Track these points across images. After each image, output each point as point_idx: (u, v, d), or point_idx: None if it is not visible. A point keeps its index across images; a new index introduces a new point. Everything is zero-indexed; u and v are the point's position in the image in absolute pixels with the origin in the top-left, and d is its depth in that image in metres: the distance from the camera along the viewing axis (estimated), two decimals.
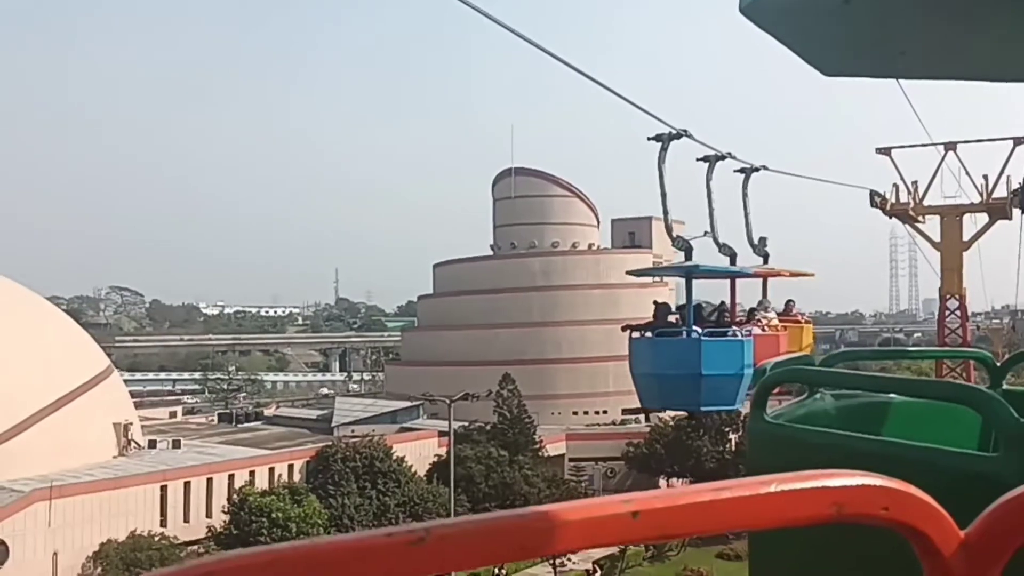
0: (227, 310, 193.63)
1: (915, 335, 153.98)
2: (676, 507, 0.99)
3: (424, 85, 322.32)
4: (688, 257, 7.78)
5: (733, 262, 8.94)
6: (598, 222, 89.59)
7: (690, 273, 7.93)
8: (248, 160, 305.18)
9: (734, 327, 8.28)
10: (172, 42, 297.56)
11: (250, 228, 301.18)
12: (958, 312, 29.80)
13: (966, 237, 28.97)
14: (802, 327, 10.69)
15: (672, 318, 8.23)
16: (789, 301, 11.33)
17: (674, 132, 7.22)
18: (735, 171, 9.34)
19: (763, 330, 9.35)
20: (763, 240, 9.57)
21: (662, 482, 67.51)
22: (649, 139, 7.32)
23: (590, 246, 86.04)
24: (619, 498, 0.97)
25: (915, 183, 29.48)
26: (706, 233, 7.98)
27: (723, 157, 8.34)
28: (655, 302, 8.56)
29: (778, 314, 10.55)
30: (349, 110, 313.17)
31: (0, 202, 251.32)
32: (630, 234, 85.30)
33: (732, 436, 60.83)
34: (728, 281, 9.97)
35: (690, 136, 7.22)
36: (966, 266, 29.40)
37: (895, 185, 29.23)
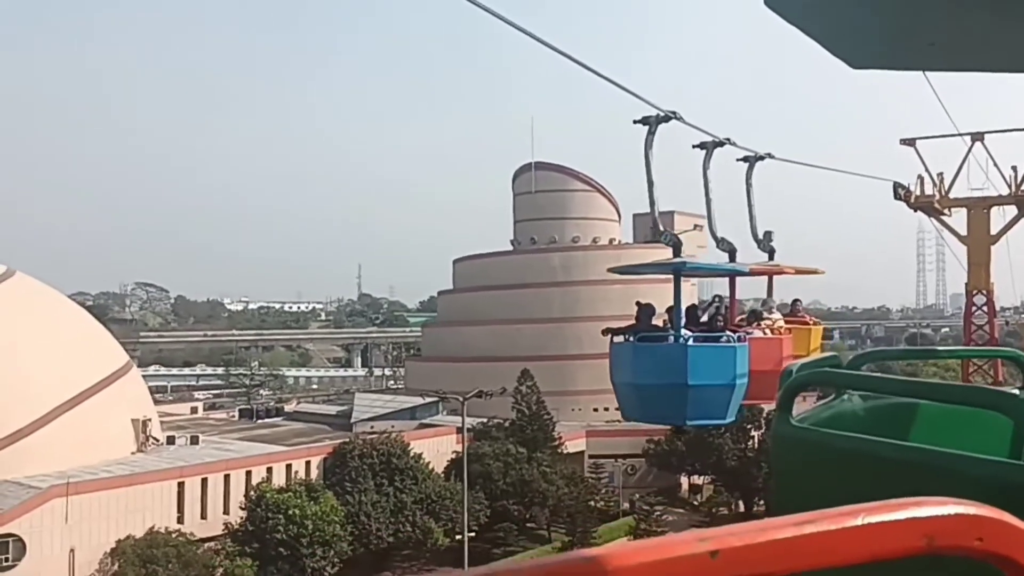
0: (251, 306, 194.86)
1: (943, 330, 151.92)
2: (757, 545, 0.95)
3: (447, 82, 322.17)
4: (676, 253, 7.13)
5: (732, 258, 8.27)
6: (619, 217, 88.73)
7: (677, 271, 7.25)
8: (272, 158, 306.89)
9: (727, 331, 7.58)
10: (194, 44, 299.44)
11: (274, 224, 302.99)
12: (985, 308, 28.90)
13: (994, 230, 28.05)
14: (810, 329, 9.96)
15: (659, 320, 7.59)
16: (795, 301, 10.65)
17: (662, 115, 6.62)
18: (738, 160, 8.74)
19: (764, 333, 8.70)
20: (768, 235, 8.91)
21: (683, 480, 66.86)
22: (635, 122, 6.74)
23: (611, 241, 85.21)
24: (695, 536, 0.94)
25: (940, 175, 28.60)
26: (697, 227, 7.38)
27: (721, 143, 7.73)
28: (637, 303, 7.85)
29: (783, 315, 9.86)
30: (371, 108, 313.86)
31: (28, 200, 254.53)
32: (652, 229, 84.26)
33: (754, 433, 60.01)
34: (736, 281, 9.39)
35: (679, 119, 6.61)
36: (994, 260, 28.50)
37: (920, 177, 28.35)
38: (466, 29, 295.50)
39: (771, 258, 9.04)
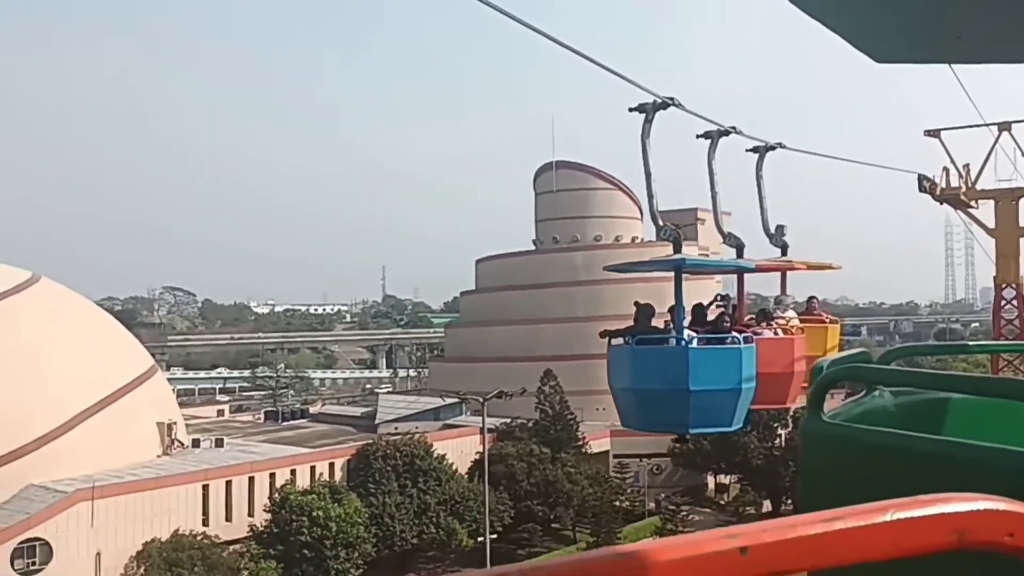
0: (277, 308, 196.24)
1: (972, 325, 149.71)
2: (787, 541, 0.96)
3: (468, 83, 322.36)
4: (677, 249, 6.77)
5: (740, 254, 7.90)
6: (641, 215, 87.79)
7: (678, 268, 6.87)
8: (297, 160, 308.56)
9: (734, 332, 7.17)
10: (216, 47, 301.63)
11: (300, 227, 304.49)
12: (1015, 302, 28.22)
13: (1023, 222, 27.38)
14: (826, 328, 9.54)
15: (662, 321, 7.21)
16: (811, 298, 10.26)
17: (659, 101, 6.28)
18: (747, 151, 8.39)
19: (775, 333, 8.32)
20: (780, 229, 8.53)
21: (710, 479, 66.21)
22: (631, 110, 6.42)
23: (633, 239, 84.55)
24: (724, 532, 0.96)
25: (967, 166, 27.92)
26: (700, 221, 7.06)
27: (726, 132, 7.37)
28: (636, 303, 7.48)
29: (799, 313, 9.47)
30: (393, 110, 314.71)
31: (58, 206, 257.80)
32: (674, 226, 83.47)
33: (781, 432, 59.36)
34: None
35: (678, 105, 6.29)
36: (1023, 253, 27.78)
37: (945, 169, 27.70)
38: (487, 30, 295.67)
39: (784, 253, 8.67)
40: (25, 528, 38.91)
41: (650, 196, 6.68)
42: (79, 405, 46.67)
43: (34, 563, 38.61)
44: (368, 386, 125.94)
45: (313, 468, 50.34)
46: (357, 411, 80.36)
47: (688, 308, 7.72)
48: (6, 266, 54.14)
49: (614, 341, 7.22)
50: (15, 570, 38.03)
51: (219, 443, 55.03)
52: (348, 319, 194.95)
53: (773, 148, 8.41)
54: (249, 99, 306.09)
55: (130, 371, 52.01)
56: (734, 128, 7.47)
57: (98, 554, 40.40)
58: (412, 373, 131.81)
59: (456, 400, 63.84)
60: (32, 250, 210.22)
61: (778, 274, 9.35)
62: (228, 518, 46.46)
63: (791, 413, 55.70)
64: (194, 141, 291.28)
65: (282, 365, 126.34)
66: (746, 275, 8.81)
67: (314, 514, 43.29)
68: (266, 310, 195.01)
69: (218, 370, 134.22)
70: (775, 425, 58.01)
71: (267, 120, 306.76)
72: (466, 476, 52.29)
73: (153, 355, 63.52)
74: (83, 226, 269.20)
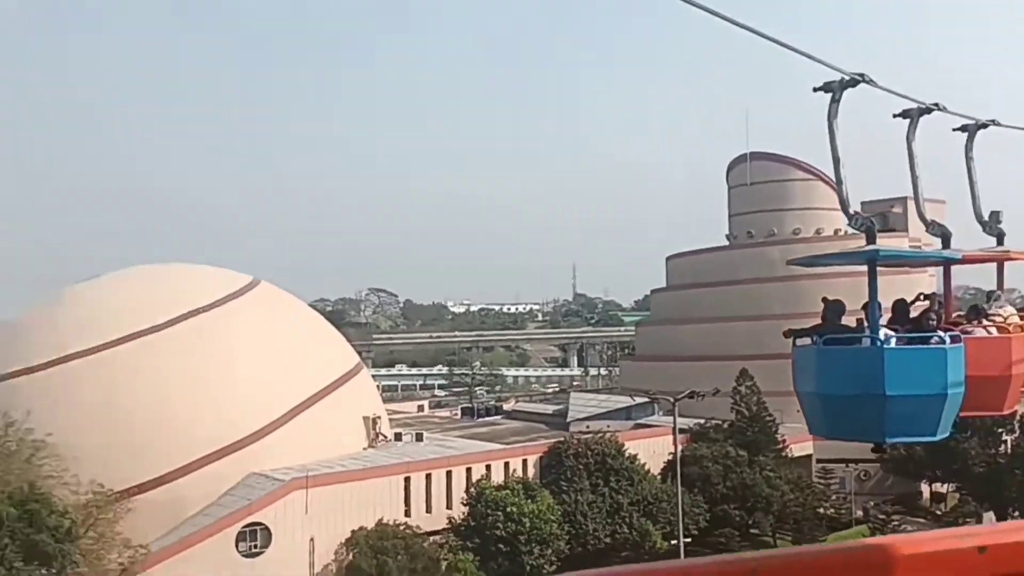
0: (472, 308, 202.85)
1: None
2: None
3: (664, 78, 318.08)
4: (871, 239, 6.13)
5: (946, 244, 7.11)
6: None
7: (872, 260, 6.18)
8: (498, 165, 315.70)
9: (939, 330, 6.33)
10: (424, 55, 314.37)
11: (496, 229, 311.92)
12: None
13: None
14: None
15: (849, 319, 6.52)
16: None
17: (846, 79, 5.71)
18: (954, 130, 7.55)
19: (988, 332, 7.43)
20: (995, 215, 7.61)
21: (924, 487, 61.70)
22: (815, 90, 5.89)
23: (836, 232, 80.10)
24: (962, 531, 0.98)
25: None
26: (884, 214, 6.36)
27: (929, 110, 6.63)
28: (824, 299, 6.86)
29: (1019, 309, 8.45)
30: (588, 110, 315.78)
31: (282, 220, 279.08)
32: (882, 216, 78.31)
33: (1007, 438, 54.41)
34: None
35: (870, 82, 5.68)
36: None
37: None
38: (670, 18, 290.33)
39: (1000, 242, 7.76)
40: (247, 513, 42.22)
41: (839, 182, 6.10)
42: (294, 399, 50.08)
43: (255, 546, 41.81)
44: (567, 384, 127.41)
45: (507, 464, 51.40)
46: (549, 409, 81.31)
47: (888, 305, 7.05)
48: (229, 271, 59.12)
49: (799, 341, 6.67)
50: (239, 552, 41.35)
51: (419, 437, 57.36)
52: (540, 318, 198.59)
53: (985, 126, 7.53)
54: (458, 108, 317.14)
55: (339, 368, 55.28)
56: (937, 105, 6.74)
57: (312, 539, 43.13)
58: (603, 371, 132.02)
59: (647, 400, 63.14)
60: (254, 256, 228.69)
61: (994, 266, 8.40)
62: (428, 509, 48.30)
63: (1017, 418, 50.94)
64: (400, 156, 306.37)
65: (477, 363, 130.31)
66: (957, 267, 7.98)
67: (508, 509, 44.17)
68: (462, 310, 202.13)
69: (396, 367, 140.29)
70: (999, 430, 53.24)
71: (483, 132, 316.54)
72: (659, 477, 51.60)
73: (359, 353, 67.16)
74: (302, 235, 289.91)
